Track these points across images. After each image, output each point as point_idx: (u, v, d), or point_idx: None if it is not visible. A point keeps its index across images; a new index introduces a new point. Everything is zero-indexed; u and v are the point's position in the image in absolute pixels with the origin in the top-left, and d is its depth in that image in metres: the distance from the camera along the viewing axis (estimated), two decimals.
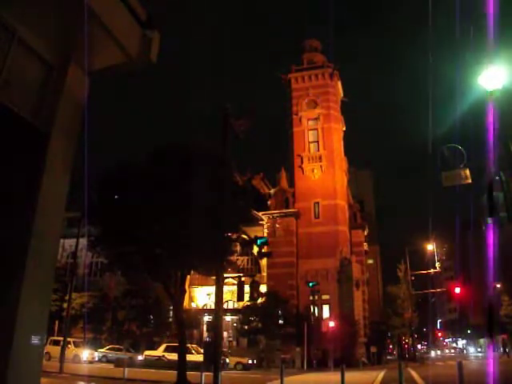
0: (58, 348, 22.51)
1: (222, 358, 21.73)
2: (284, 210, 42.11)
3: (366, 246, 49.94)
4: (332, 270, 39.25)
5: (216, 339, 12.62)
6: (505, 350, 40.77)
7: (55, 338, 27.32)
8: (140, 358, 28.25)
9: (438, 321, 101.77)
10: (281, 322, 34.38)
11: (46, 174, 4.90)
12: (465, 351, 75.29)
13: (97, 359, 28.67)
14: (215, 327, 13.56)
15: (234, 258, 28.47)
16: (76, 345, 27.96)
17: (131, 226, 14.49)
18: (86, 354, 27.33)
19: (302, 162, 43.82)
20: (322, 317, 37.35)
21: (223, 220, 13.03)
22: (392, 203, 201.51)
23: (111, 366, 25.27)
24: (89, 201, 15.21)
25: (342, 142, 47.02)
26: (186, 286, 20.57)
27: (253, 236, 22.81)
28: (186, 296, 26.74)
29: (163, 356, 26.76)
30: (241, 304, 31.74)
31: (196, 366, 17.82)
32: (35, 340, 4.68)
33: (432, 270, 41.93)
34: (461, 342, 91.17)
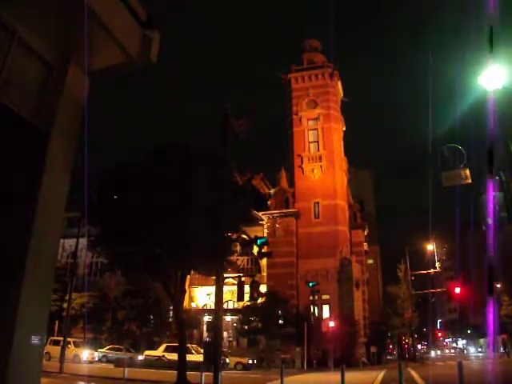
0: (58, 348, 22.51)
1: (222, 358, 21.73)
2: (284, 210, 42.12)
3: (366, 246, 49.94)
4: (332, 270, 39.26)
5: (216, 339, 12.62)
6: (505, 350, 40.77)
7: (55, 337, 27.32)
8: (140, 357, 28.25)
9: (438, 321, 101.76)
10: (281, 322, 34.39)
11: (46, 174, 4.90)
12: (465, 351, 75.28)
13: (97, 359, 28.66)
14: (215, 327, 13.56)
15: (234, 258, 28.48)
16: (76, 345, 27.96)
17: (131, 226, 14.49)
18: (85, 354, 27.33)
19: (301, 162, 43.82)
20: (321, 317, 37.35)
21: (223, 220, 13.02)
22: (392, 203, 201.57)
23: (111, 366, 25.26)
24: (89, 201, 15.21)
25: (341, 142, 47.02)
26: (186, 286, 20.57)
27: (253, 236, 22.81)
28: (186, 296, 26.74)
29: (163, 356, 26.76)
30: (241, 304, 31.74)
31: (196, 365, 17.82)
32: (35, 340, 4.68)
33: (432, 270, 41.92)
34: (461, 342, 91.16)
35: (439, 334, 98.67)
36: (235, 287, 23.72)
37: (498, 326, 44.23)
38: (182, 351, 16.52)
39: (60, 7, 4.88)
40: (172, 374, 16.47)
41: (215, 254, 13.50)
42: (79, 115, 5.56)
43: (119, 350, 29.89)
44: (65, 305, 26.96)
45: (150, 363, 26.17)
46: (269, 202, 43.64)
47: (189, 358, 18.32)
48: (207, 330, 39.35)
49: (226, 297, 29.13)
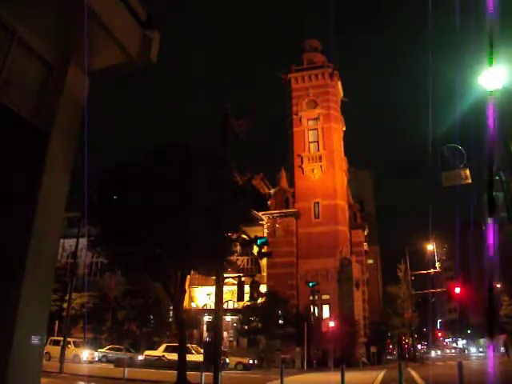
0: (58, 348, 22.51)
1: (223, 358, 21.73)
2: (284, 210, 42.12)
3: (366, 246, 49.94)
4: (332, 269, 39.26)
5: (216, 339, 12.62)
6: (506, 350, 40.74)
7: (55, 338, 27.32)
8: (140, 357, 28.25)
9: (438, 321, 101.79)
10: (281, 322, 34.39)
11: (46, 174, 4.90)
12: (466, 351, 75.21)
13: (97, 359, 28.67)
14: (215, 327, 13.55)
15: (234, 258, 28.47)
16: (76, 345, 27.96)
17: (131, 226, 14.49)
18: (85, 354, 27.33)
19: (302, 162, 43.82)
20: (322, 317, 37.35)
21: (223, 220, 13.02)
22: (392, 203, 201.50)
23: (111, 366, 25.27)
24: (89, 201, 15.21)
25: (341, 142, 47.03)
26: (186, 286, 20.56)
27: (253, 236, 22.81)
28: (186, 296, 26.74)
29: (163, 356, 26.76)
30: (241, 304, 31.75)
31: (196, 365, 17.82)
32: (35, 340, 4.68)
33: (432, 270, 41.90)
34: (461, 342, 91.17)
35: (439, 334, 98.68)
36: (235, 287, 23.72)
37: (498, 326, 44.19)
38: (182, 351, 16.52)
39: (60, 7, 4.88)
40: (172, 374, 16.48)
41: (215, 254, 13.50)
42: (79, 115, 5.56)
43: (119, 349, 29.89)
44: (65, 305, 26.96)
45: (149, 363, 26.17)
46: (269, 202, 43.64)
47: (189, 358, 18.32)
48: (207, 330, 39.34)
49: (226, 297, 29.13)
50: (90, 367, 23.72)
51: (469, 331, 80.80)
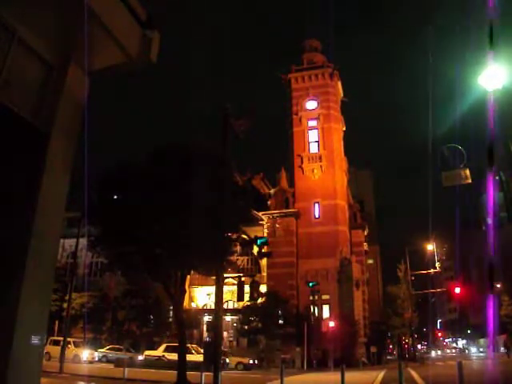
0: (58, 348, 22.50)
1: (223, 358, 21.73)
2: (284, 210, 42.13)
3: (366, 246, 49.95)
4: (332, 269, 39.27)
5: (216, 339, 12.62)
6: (507, 351, 40.74)
7: (55, 337, 27.31)
8: (140, 357, 28.25)
9: (438, 321, 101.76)
10: (281, 322, 34.40)
11: (46, 174, 4.90)
12: (466, 351, 75.19)
13: (97, 359, 28.66)
14: (215, 327, 13.55)
15: (234, 258, 28.48)
16: (76, 345, 27.95)
17: (131, 225, 14.49)
18: (86, 354, 27.32)
19: (302, 162, 43.83)
20: (321, 317, 37.36)
21: (223, 220, 13.02)
22: (392, 203, 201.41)
23: (111, 366, 25.26)
24: (89, 201, 15.20)
25: (341, 142, 47.04)
26: (186, 286, 20.57)
27: (253, 236, 22.81)
28: (186, 296, 26.75)
29: (163, 356, 26.76)
30: (241, 304, 31.75)
31: (196, 365, 17.82)
32: (35, 340, 4.68)
33: (432, 270, 41.88)
34: (461, 342, 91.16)
35: (439, 334, 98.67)
36: (235, 287, 23.72)
37: (498, 325, 44.21)
38: (182, 351, 16.52)
39: (60, 7, 4.88)
40: (172, 374, 16.47)
41: (215, 254, 13.50)
42: (79, 115, 5.56)
43: (119, 349, 29.89)
44: (65, 305, 26.96)
45: (150, 363, 26.17)
46: (269, 202, 43.65)
47: (189, 358, 18.32)
48: (207, 330, 39.34)
49: (226, 297, 29.13)
50: (90, 367, 23.71)
51: (469, 331, 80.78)
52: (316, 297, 35.88)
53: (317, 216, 42.06)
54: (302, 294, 38.55)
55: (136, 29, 5.67)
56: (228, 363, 26.90)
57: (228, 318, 38.81)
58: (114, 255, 16.73)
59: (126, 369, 16.23)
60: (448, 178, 8.88)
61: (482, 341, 70.07)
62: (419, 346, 75.64)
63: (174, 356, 21.87)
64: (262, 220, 41.16)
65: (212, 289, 21.98)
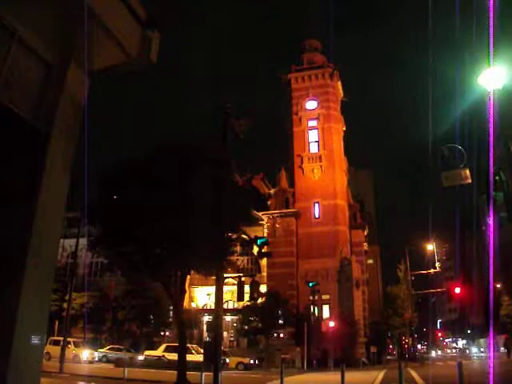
0: (58, 348, 22.49)
1: (223, 358, 21.70)
2: (284, 210, 42.13)
3: (365, 246, 49.94)
4: (332, 270, 39.27)
5: (216, 339, 12.61)
6: (508, 351, 40.72)
7: (55, 337, 27.31)
8: (140, 357, 28.24)
9: (438, 321, 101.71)
10: (281, 321, 34.40)
11: (46, 174, 4.90)
12: (467, 351, 75.17)
13: (97, 359, 28.65)
14: (215, 327, 13.55)
15: (233, 258, 28.43)
16: (76, 345, 27.94)
17: (131, 225, 14.47)
18: (86, 354, 27.32)
19: (302, 162, 43.84)
20: (322, 317, 37.38)
21: (223, 220, 13.01)
22: (392, 203, 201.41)
23: (111, 365, 25.27)
24: (89, 201, 15.21)
25: (341, 142, 47.04)
26: (186, 286, 20.55)
27: (253, 236, 22.73)
28: (186, 296, 26.71)
29: (163, 356, 26.75)
30: (241, 304, 31.75)
31: (196, 366, 17.82)
32: (35, 340, 4.68)
33: (432, 270, 41.87)
34: (461, 342, 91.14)
35: (439, 334, 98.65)
36: (235, 287, 23.69)
37: (499, 326, 44.18)
38: (182, 351, 16.52)
39: (60, 7, 4.88)
40: (172, 374, 16.47)
41: (215, 253, 13.50)
42: (79, 115, 5.55)
43: (119, 350, 29.88)
44: (65, 305, 26.94)
45: (150, 363, 26.16)
46: (269, 202, 43.65)
47: (189, 358, 18.32)
48: (207, 330, 39.35)
49: (226, 297, 29.12)
50: (90, 367, 23.71)
51: (469, 331, 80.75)
52: (316, 297, 35.87)
53: (317, 216, 42.07)
54: (301, 293, 38.56)
55: (136, 29, 5.68)
56: (228, 363, 26.89)
57: (228, 317, 38.82)
58: (114, 255, 16.70)
59: (126, 369, 16.26)
60: (448, 177, 8.87)
61: (482, 341, 70.06)
62: (419, 346, 75.62)
63: (174, 356, 21.85)
64: (262, 220, 41.16)
65: (212, 289, 21.94)
